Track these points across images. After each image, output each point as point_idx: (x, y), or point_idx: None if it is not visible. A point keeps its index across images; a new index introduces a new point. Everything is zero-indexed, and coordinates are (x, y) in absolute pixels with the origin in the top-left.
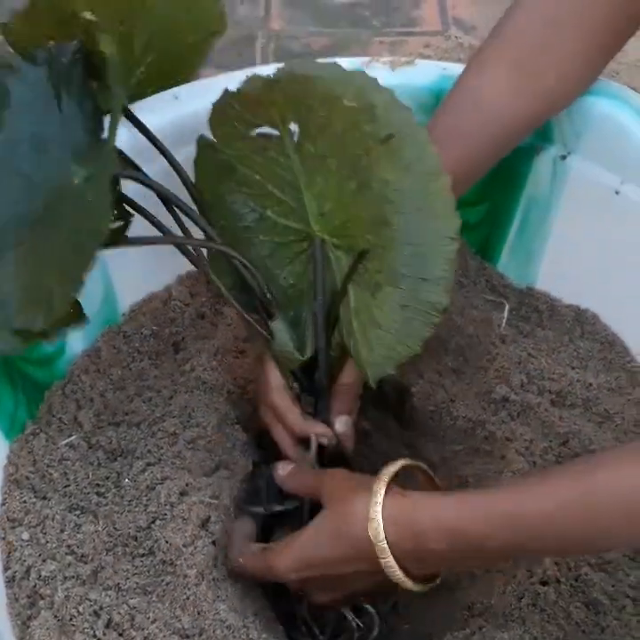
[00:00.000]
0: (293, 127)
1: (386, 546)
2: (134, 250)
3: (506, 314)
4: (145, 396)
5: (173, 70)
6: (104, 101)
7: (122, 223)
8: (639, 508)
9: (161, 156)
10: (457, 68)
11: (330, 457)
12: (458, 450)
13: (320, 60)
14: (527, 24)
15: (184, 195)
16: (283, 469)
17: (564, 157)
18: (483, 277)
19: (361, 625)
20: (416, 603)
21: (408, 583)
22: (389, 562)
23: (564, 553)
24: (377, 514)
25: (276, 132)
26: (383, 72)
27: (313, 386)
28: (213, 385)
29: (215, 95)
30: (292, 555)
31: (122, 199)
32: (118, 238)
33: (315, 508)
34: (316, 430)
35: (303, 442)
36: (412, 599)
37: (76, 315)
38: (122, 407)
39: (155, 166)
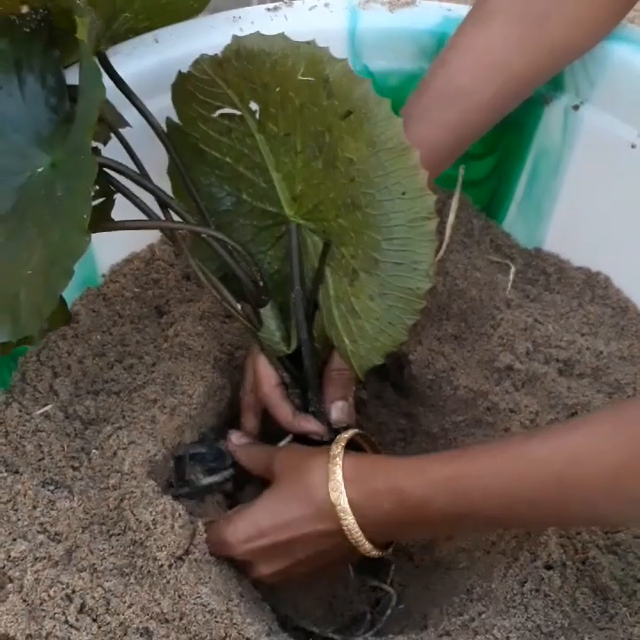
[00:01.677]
0: (254, 106)
1: (347, 505)
2: (119, 205)
3: (511, 276)
4: (126, 363)
5: (167, 13)
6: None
7: (103, 200)
8: (569, 478)
9: (139, 101)
10: (462, 10)
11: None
12: (458, 421)
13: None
14: None
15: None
16: (237, 439)
17: (576, 107)
18: (487, 237)
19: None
20: (412, 582)
21: (366, 546)
22: (350, 522)
23: (504, 523)
24: (337, 474)
25: (237, 112)
26: (381, 14)
27: (301, 376)
28: (199, 351)
29: (199, 38)
30: (244, 523)
31: (100, 174)
32: (101, 220)
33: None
34: (308, 428)
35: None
36: (407, 578)
37: (62, 316)
38: (101, 375)
39: (131, 112)
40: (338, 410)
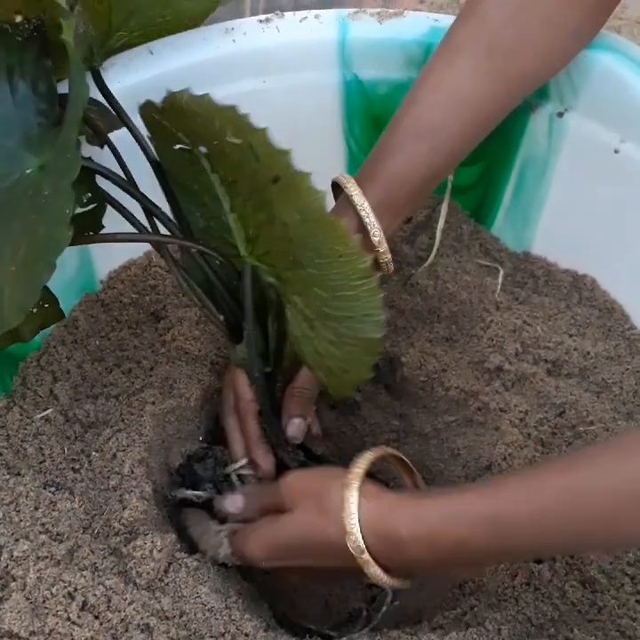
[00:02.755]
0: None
1: (369, 557)
2: (113, 213)
3: (500, 279)
4: (124, 368)
5: (162, 32)
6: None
7: (95, 205)
8: (622, 506)
9: (128, 119)
10: (448, 20)
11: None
12: (450, 421)
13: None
14: (496, 5)
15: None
16: (233, 505)
17: (561, 114)
18: (476, 241)
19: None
20: None
21: (396, 583)
22: (374, 572)
23: (546, 554)
24: (354, 527)
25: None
26: (370, 24)
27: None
28: (196, 355)
29: (192, 50)
30: (262, 544)
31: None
32: (93, 225)
33: None
34: (259, 460)
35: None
36: None
37: (53, 312)
38: (100, 379)
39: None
40: (294, 426)
